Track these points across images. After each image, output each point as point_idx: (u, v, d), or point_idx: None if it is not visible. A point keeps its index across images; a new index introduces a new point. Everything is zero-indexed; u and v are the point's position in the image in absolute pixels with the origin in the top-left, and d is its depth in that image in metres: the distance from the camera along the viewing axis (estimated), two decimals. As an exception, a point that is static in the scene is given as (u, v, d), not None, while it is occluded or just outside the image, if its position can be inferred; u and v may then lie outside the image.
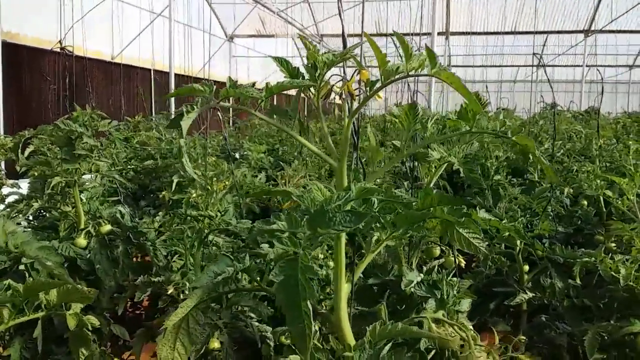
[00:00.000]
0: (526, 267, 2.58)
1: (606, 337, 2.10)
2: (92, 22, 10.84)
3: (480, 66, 23.19)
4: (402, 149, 1.07)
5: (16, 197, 3.13)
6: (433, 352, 1.50)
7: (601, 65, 18.84)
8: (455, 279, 1.87)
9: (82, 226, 2.47)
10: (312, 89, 1.01)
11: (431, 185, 1.84)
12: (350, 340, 1.03)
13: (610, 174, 2.92)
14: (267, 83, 0.98)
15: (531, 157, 1.03)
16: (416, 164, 2.01)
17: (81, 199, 2.54)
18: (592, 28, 17.99)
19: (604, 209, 3.25)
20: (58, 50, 6.12)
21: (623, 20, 17.20)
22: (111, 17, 12.13)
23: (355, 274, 1.08)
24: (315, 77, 1.00)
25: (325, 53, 1.01)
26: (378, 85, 0.95)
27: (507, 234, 2.32)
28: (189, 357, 1.48)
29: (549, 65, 18.58)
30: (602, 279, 2.36)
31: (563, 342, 2.35)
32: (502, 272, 2.63)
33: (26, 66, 9.93)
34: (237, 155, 5.68)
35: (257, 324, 2.16)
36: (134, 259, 2.69)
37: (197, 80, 15.69)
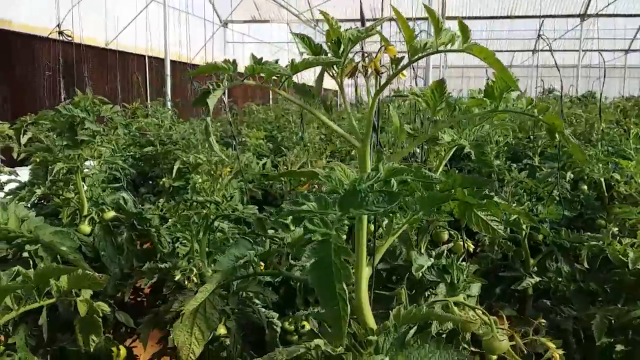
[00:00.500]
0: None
1: (613, 321, 2.10)
2: (86, 8, 10.69)
3: (476, 51, 23.07)
4: (426, 129, 1.05)
5: (15, 184, 3.09)
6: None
7: (597, 50, 18.79)
8: (464, 263, 1.86)
9: (85, 213, 2.44)
10: (335, 67, 0.99)
11: (440, 169, 1.82)
12: (372, 324, 1.02)
13: (614, 158, 2.92)
14: (292, 60, 0.96)
15: (558, 136, 1.01)
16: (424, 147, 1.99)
17: (83, 186, 2.51)
18: (588, 12, 17.93)
19: (606, 193, 3.25)
20: (56, 36, 6.02)
21: (619, 4, 17.15)
22: (104, 3, 11.98)
23: (375, 257, 1.06)
24: (340, 54, 0.98)
25: (349, 29, 0.98)
26: (405, 62, 0.93)
27: (512, 218, 2.31)
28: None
29: (545, 50, 18.54)
30: (606, 262, 2.36)
31: (569, 327, 2.35)
32: (507, 257, 2.63)
33: (18, 53, 9.80)
34: (233, 142, 5.64)
35: (263, 310, 2.15)
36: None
37: (193, 66, 15.57)
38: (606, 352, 2.09)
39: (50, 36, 6.31)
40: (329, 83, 1.20)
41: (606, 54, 22.18)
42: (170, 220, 2.28)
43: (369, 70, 0.98)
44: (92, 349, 1.99)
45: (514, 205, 2.33)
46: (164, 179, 3.69)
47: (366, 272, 1.03)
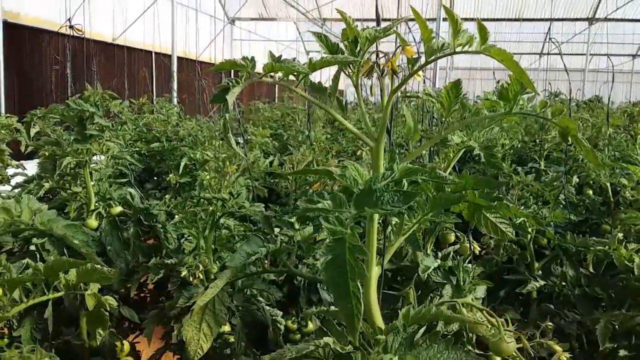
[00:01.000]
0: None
1: (617, 327, 2.10)
2: (94, 3, 10.72)
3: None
4: (440, 130, 1.05)
5: (22, 178, 3.11)
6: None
7: (604, 54, 18.73)
8: (470, 265, 1.86)
9: (92, 207, 2.45)
10: (351, 66, 0.99)
11: (448, 171, 1.82)
12: (380, 323, 1.02)
13: (620, 163, 2.90)
14: (310, 58, 0.96)
15: (570, 140, 1.01)
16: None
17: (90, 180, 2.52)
18: (597, 16, 17.88)
19: (612, 199, 3.24)
20: (66, 30, 6.04)
21: (628, 9, 17.08)
22: (112, -1, 12.02)
23: (385, 257, 1.07)
24: (356, 53, 0.98)
25: (365, 29, 0.98)
26: (421, 62, 0.93)
27: (519, 221, 2.31)
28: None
29: (553, 54, 18.49)
30: (611, 267, 2.36)
31: (572, 331, 2.35)
32: (512, 260, 2.63)
33: (27, 47, 9.84)
34: (240, 140, 5.64)
35: (268, 307, 2.16)
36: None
37: (200, 63, 15.58)
38: (610, 357, 2.09)
39: (60, 31, 6.35)
40: (327, 82, 1.19)
41: (613, 59, 22.12)
42: (177, 216, 2.29)
43: (385, 70, 0.98)
44: (97, 343, 2.00)
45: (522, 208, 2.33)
46: (170, 175, 3.70)
47: (375, 271, 1.03)
